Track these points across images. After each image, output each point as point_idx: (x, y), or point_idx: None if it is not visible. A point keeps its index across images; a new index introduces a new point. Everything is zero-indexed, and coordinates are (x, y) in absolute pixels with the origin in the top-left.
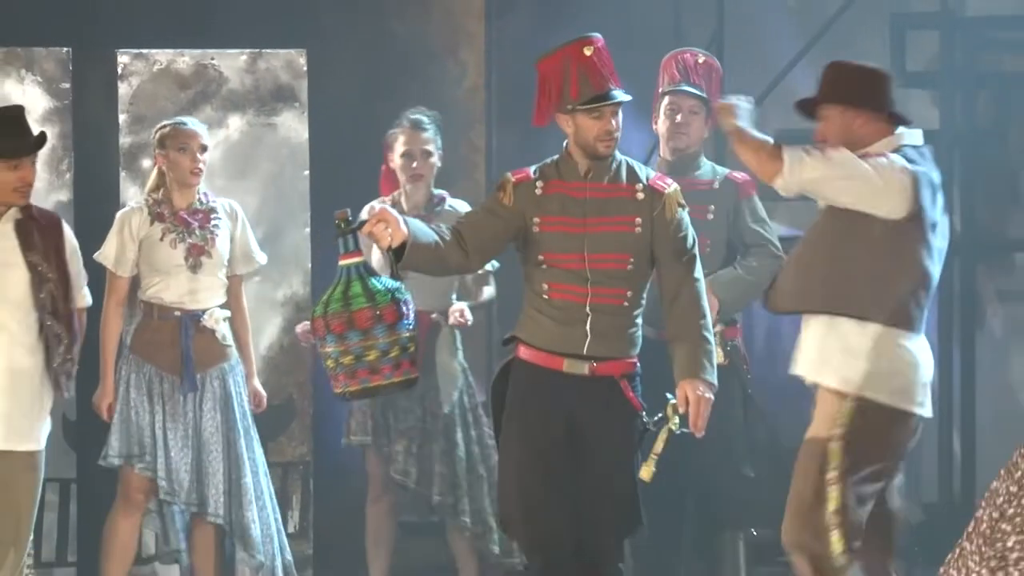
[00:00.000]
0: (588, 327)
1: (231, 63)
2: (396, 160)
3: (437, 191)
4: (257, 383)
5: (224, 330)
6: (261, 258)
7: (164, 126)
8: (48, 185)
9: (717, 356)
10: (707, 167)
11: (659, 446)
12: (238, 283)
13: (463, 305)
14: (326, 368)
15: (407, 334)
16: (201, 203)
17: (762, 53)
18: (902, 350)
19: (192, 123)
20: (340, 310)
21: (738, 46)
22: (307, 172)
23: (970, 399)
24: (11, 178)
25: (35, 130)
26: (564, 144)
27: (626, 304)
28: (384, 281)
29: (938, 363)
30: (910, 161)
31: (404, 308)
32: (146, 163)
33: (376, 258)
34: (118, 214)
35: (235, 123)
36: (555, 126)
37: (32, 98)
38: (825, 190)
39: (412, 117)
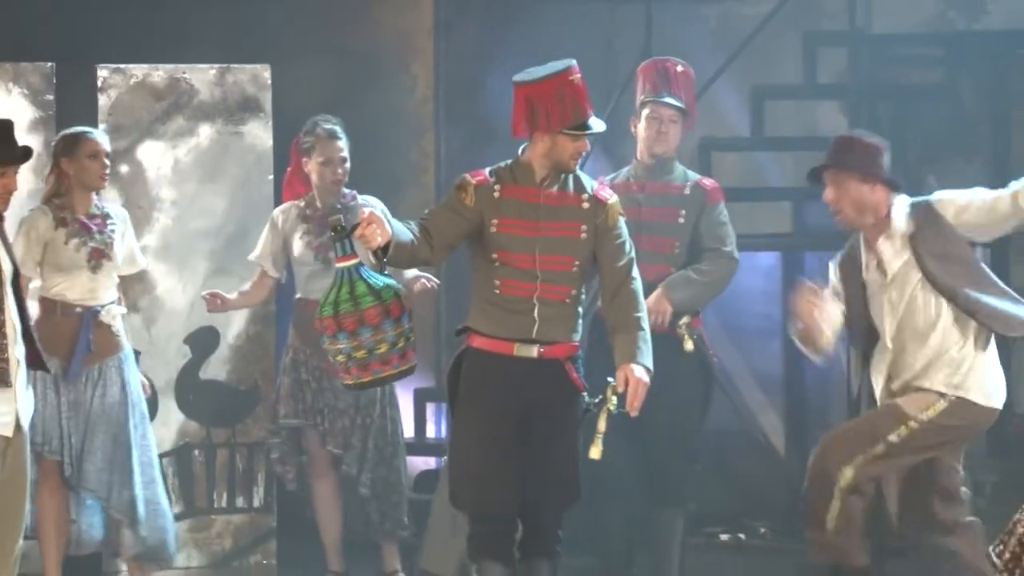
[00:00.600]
0: (536, 314)
1: (201, 76)
2: (314, 167)
3: (348, 190)
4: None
5: (119, 324)
6: (143, 262)
7: (70, 135)
8: (35, 189)
9: (687, 343)
10: (680, 171)
11: (602, 425)
12: (123, 282)
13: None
14: (336, 363)
15: (408, 325)
16: (97, 208)
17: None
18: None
19: (98, 132)
20: (351, 309)
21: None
22: (271, 177)
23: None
24: None
25: (21, 141)
26: (520, 151)
27: (568, 301)
28: (382, 278)
29: (852, 347)
30: None
31: (405, 302)
32: (124, 168)
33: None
34: (22, 218)
35: (205, 131)
36: (500, 134)
37: (18, 109)
38: None
39: (326, 127)
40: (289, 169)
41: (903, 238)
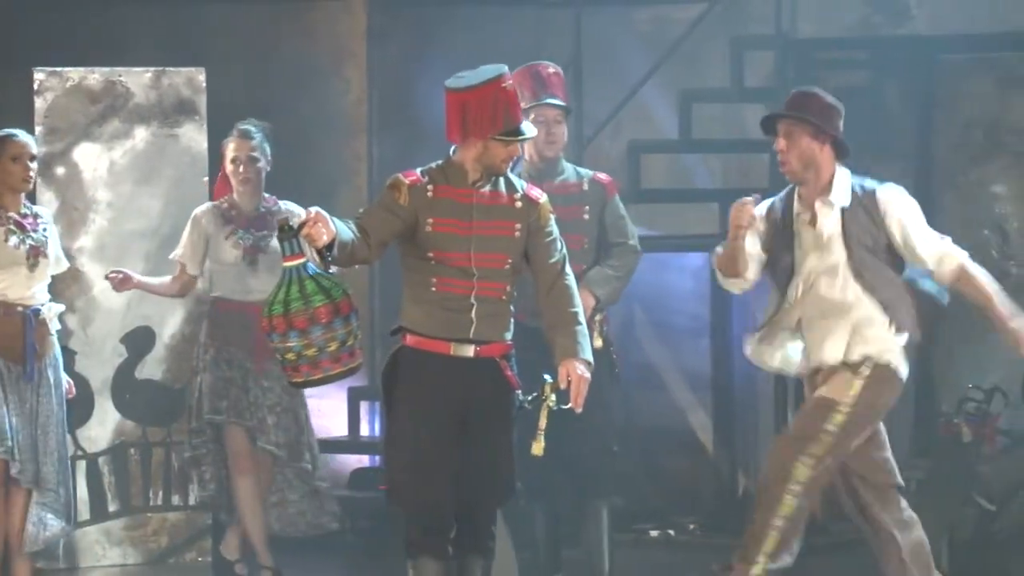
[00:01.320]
0: (473, 314)
1: (137, 80)
2: (228, 166)
3: (268, 195)
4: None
5: (56, 324)
6: (66, 263)
7: None
8: None
9: (596, 341)
10: (569, 170)
11: (543, 422)
12: (58, 282)
13: None
14: (285, 361)
15: (356, 323)
16: (27, 208)
17: (616, 71)
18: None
19: (22, 135)
20: (302, 308)
21: (595, 64)
22: (206, 179)
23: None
24: None
25: None
26: (452, 151)
27: (504, 297)
28: (330, 277)
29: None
30: None
31: (352, 300)
32: (60, 171)
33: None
34: None
35: (140, 134)
36: (431, 136)
37: None
38: None
39: (241, 127)
40: (220, 172)
41: (838, 209)
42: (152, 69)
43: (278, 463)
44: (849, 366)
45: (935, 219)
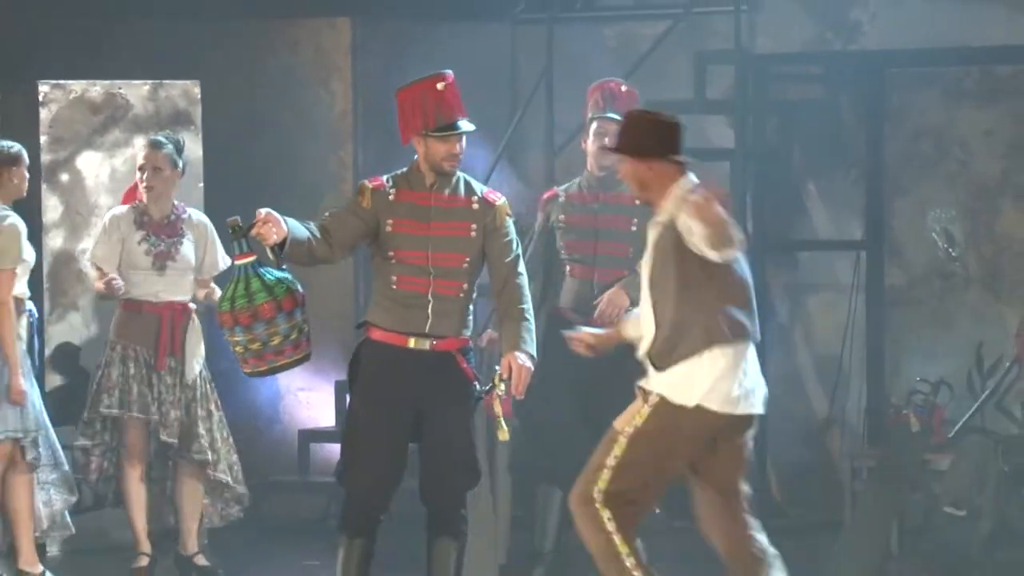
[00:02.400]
0: (430, 311)
1: (136, 92)
2: (136, 173)
3: (178, 203)
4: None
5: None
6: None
7: (10, 146)
8: None
9: None
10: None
11: (497, 409)
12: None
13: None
14: (235, 353)
15: (301, 317)
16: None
17: (587, 83)
18: (728, 361)
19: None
20: (246, 305)
21: (566, 77)
22: (201, 184)
23: (763, 373)
24: None
25: None
26: (414, 159)
27: (461, 295)
28: (277, 274)
29: None
30: None
31: (298, 296)
32: (64, 177)
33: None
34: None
35: (139, 143)
36: (412, 145)
37: None
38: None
39: (152, 138)
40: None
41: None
42: (150, 82)
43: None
44: (643, 392)
45: (886, 223)
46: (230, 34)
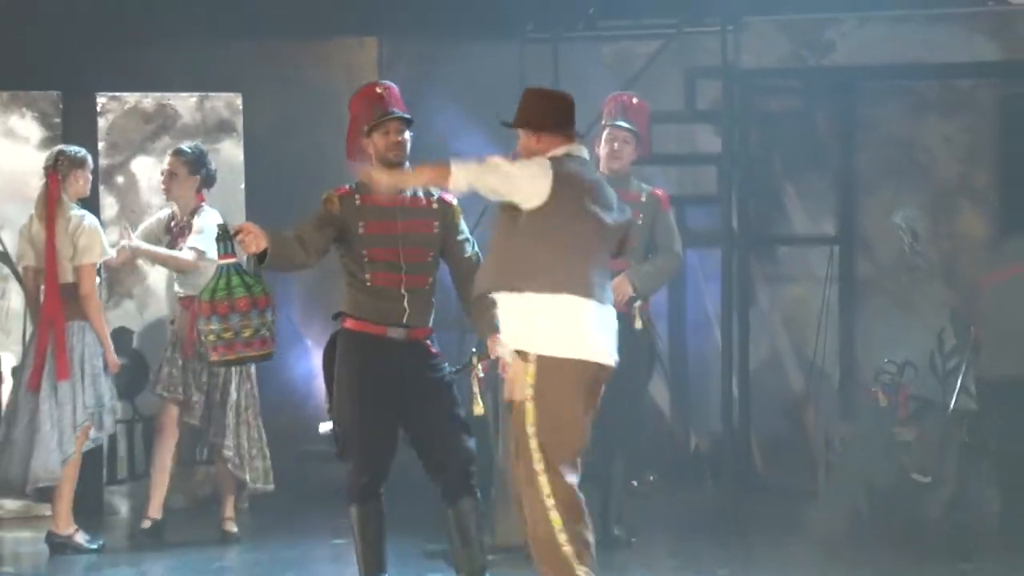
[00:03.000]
0: (406, 304)
1: (184, 103)
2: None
3: (205, 205)
4: None
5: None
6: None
7: (77, 151)
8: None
9: (636, 322)
10: (635, 183)
11: (476, 387)
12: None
13: None
14: (207, 342)
15: (271, 317)
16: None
17: (588, 96)
18: (560, 310)
19: (77, 150)
20: (224, 297)
21: (569, 90)
22: (243, 186)
23: (745, 354)
24: None
25: (32, 158)
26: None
27: (427, 287)
28: (254, 276)
29: (722, 328)
30: (560, 165)
31: (271, 298)
32: (120, 180)
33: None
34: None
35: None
36: (429, 150)
37: (31, 130)
38: (480, 187)
39: (177, 147)
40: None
41: None
42: (197, 94)
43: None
44: (520, 355)
45: (857, 221)
46: (269, 52)
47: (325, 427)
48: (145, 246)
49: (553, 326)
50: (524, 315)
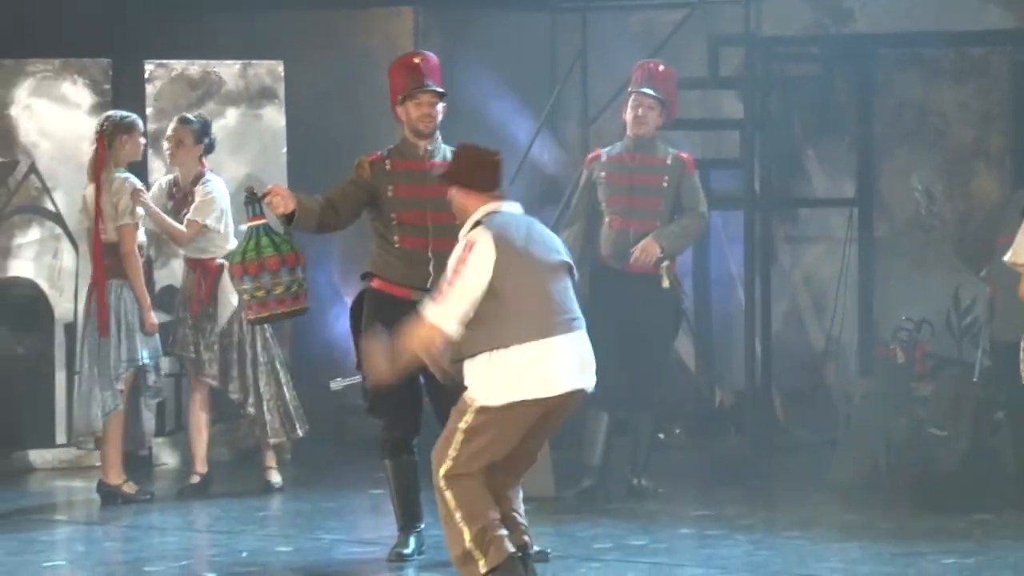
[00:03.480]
0: (431, 268)
1: (228, 70)
2: (166, 147)
3: (207, 171)
4: None
5: None
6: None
7: (125, 116)
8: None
9: (664, 282)
10: (661, 147)
11: None
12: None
13: None
14: (243, 301)
15: (301, 275)
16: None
17: (616, 63)
18: (523, 358)
19: (126, 115)
20: (254, 257)
21: (598, 58)
22: (284, 150)
23: (767, 313)
24: None
25: (83, 123)
26: (403, 132)
27: (450, 249)
28: (283, 236)
29: (745, 287)
30: (495, 227)
31: (300, 255)
32: (166, 144)
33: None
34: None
35: (231, 114)
36: (464, 115)
37: (82, 97)
38: (465, 310)
39: (182, 115)
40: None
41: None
42: (240, 61)
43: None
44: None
45: (875, 183)
46: (310, 21)
47: (336, 384)
48: (153, 207)
49: (509, 374)
50: (486, 371)
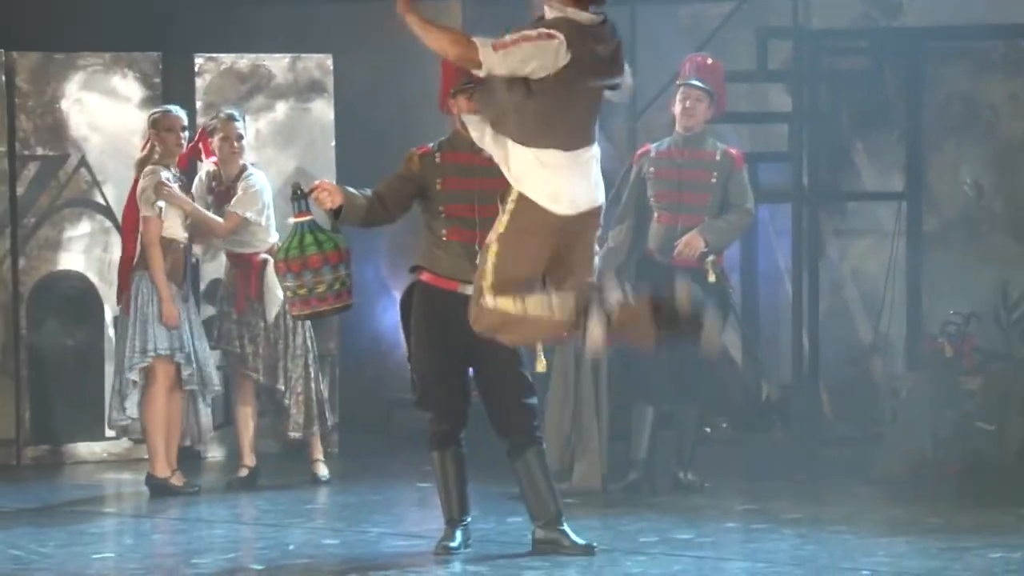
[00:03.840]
0: (479, 260)
1: (277, 64)
2: (216, 142)
3: (243, 162)
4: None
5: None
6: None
7: (156, 112)
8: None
9: (710, 276)
10: (711, 141)
11: (539, 345)
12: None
13: None
14: (286, 297)
15: (345, 271)
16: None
17: (664, 55)
18: (543, 163)
19: (175, 109)
20: (298, 255)
21: (647, 51)
22: (333, 143)
23: (815, 306)
24: None
25: (134, 116)
26: (453, 125)
27: None
28: (328, 233)
29: (792, 281)
30: (572, 30)
31: (344, 252)
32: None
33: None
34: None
35: (280, 108)
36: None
37: (132, 90)
38: (510, 72)
39: (227, 112)
40: (194, 142)
41: None
42: (289, 55)
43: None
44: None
45: (924, 176)
46: (357, 13)
47: None
48: (182, 198)
49: (537, 176)
50: (521, 162)
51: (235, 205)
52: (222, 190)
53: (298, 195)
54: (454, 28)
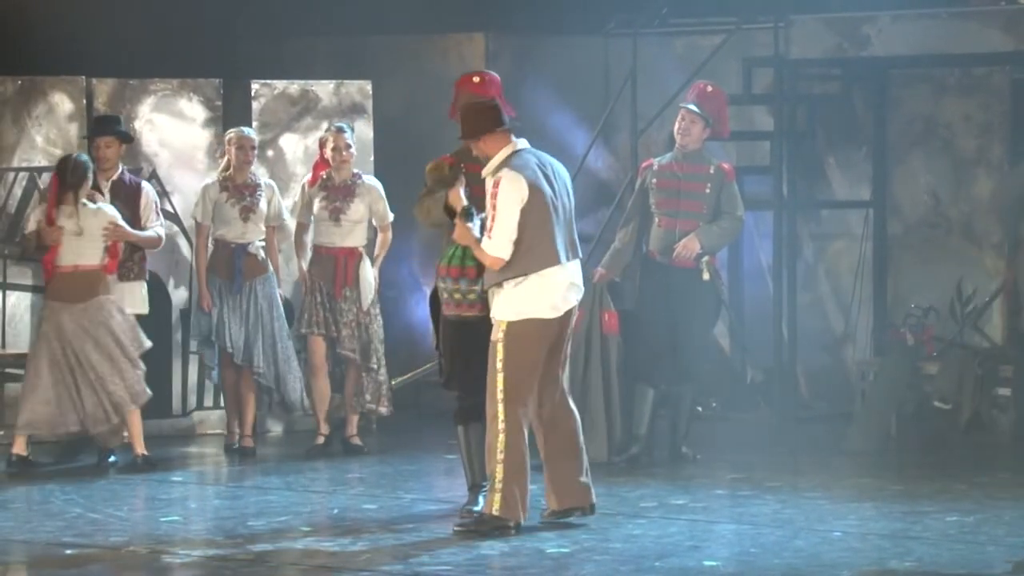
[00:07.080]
0: None
1: (323, 89)
2: (328, 153)
3: (355, 171)
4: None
5: (263, 254)
6: (287, 218)
7: (231, 132)
8: (207, 168)
9: (705, 275)
10: (707, 157)
11: None
12: (271, 231)
13: None
14: (442, 298)
15: (480, 288)
16: (250, 180)
17: (661, 82)
18: (533, 284)
19: (248, 131)
20: (457, 264)
21: (647, 77)
22: (372, 158)
23: (793, 300)
24: None
25: (198, 136)
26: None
27: None
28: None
29: (773, 278)
30: (521, 167)
31: (477, 270)
32: (270, 153)
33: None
34: (203, 185)
35: (326, 127)
36: (530, 129)
37: (196, 112)
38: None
39: (337, 125)
40: (316, 158)
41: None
42: (334, 81)
43: (354, 364)
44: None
45: (888, 187)
46: (394, 45)
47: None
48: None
49: (523, 297)
50: (505, 294)
51: (385, 213)
52: (335, 193)
53: (470, 215)
54: (488, 258)
